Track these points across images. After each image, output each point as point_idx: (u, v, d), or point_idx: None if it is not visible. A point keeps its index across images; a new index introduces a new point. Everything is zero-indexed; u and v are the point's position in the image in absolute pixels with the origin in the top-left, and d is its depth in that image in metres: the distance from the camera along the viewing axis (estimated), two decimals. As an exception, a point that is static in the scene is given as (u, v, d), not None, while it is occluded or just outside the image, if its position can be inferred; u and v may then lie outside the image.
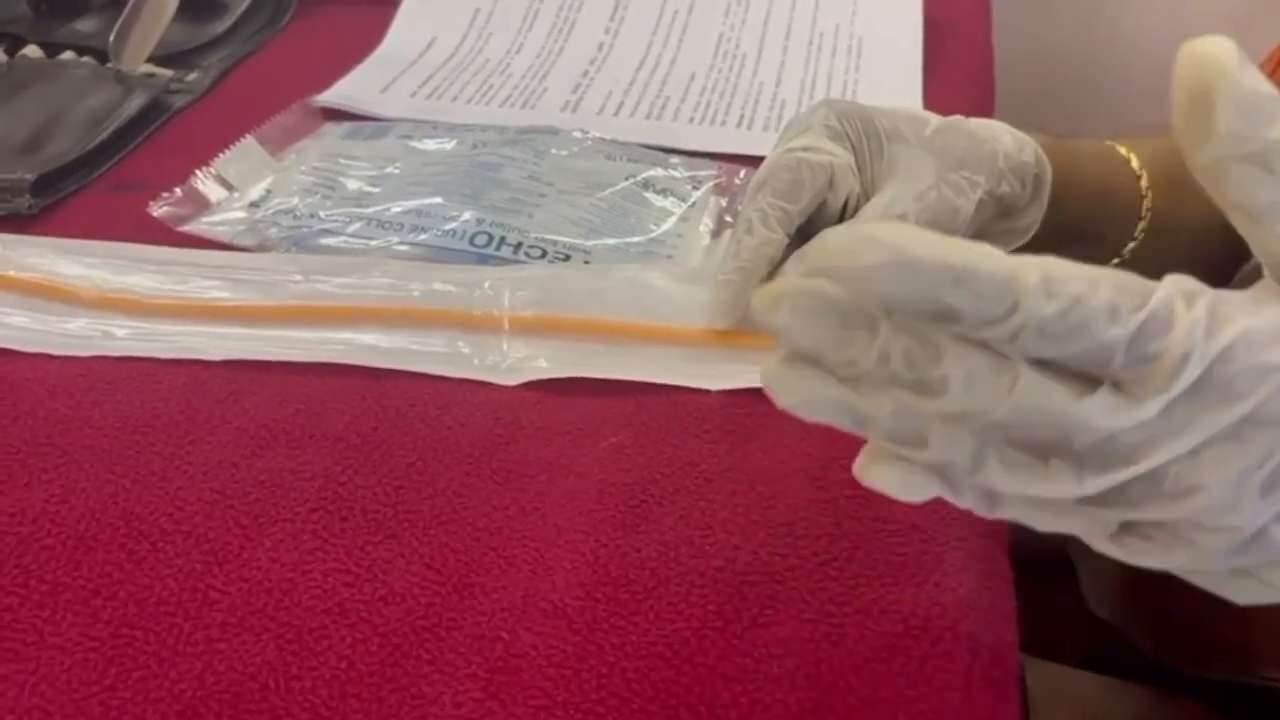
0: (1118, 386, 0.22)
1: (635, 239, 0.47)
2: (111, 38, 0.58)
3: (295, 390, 0.40)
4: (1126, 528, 0.24)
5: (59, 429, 0.38)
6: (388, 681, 0.30)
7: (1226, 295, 0.23)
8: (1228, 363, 0.21)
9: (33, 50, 0.62)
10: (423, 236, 0.46)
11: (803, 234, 0.41)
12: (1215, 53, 0.21)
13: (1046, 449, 0.23)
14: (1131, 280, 0.22)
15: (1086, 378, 0.22)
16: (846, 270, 0.21)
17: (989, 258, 0.21)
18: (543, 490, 0.36)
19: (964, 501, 0.24)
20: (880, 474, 0.24)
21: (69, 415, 0.38)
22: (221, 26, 0.65)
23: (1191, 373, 0.21)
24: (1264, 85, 0.21)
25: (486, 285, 0.43)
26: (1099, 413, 0.22)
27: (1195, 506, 0.22)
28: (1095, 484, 0.22)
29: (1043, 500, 0.23)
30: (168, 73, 0.60)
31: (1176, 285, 0.22)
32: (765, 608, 0.32)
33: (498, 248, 0.45)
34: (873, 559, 0.33)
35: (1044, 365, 0.22)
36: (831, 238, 0.21)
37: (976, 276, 0.21)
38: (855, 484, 0.36)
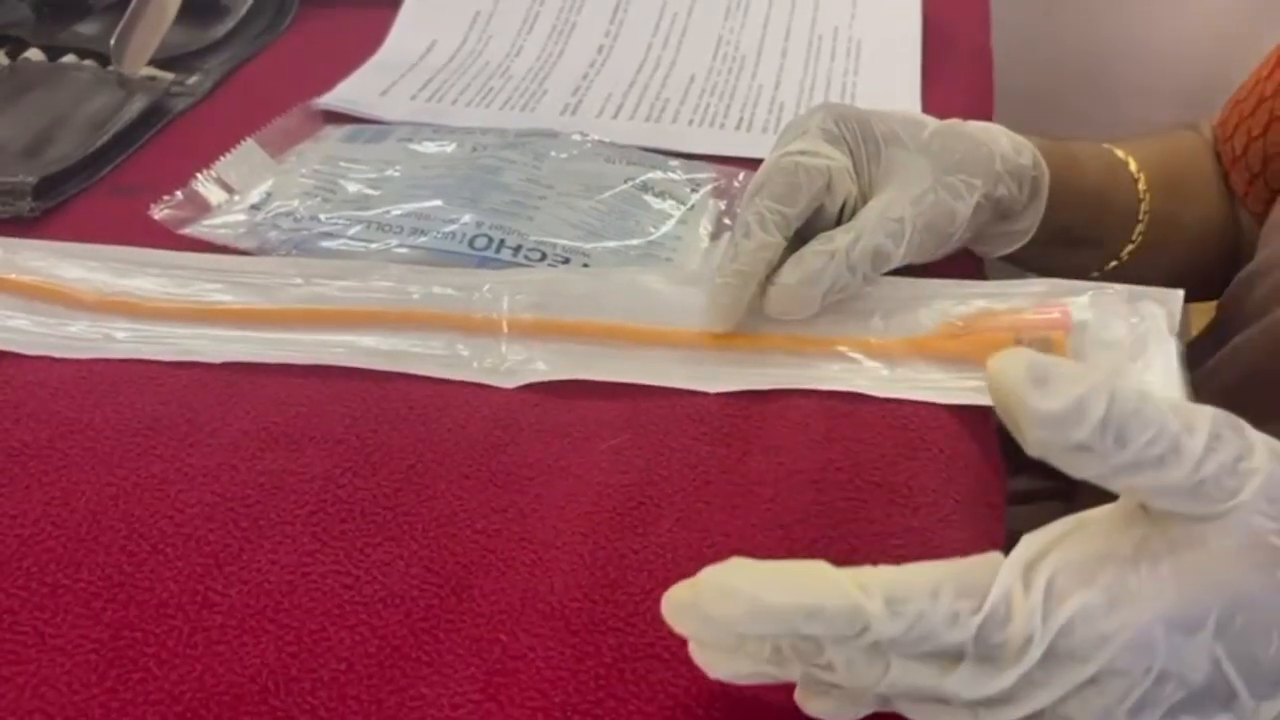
0: (980, 657, 0.25)
1: (634, 242, 0.47)
2: (113, 41, 0.59)
3: (295, 393, 0.40)
4: None
5: (60, 431, 0.38)
6: (386, 683, 0.30)
7: (1072, 559, 0.25)
8: (1068, 636, 0.25)
9: (34, 53, 0.62)
10: (422, 239, 0.46)
11: (800, 237, 0.42)
12: (1006, 376, 0.24)
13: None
14: (973, 580, 0.25)
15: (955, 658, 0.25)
16: (715, 620, 0.25)
17: (834, 593, 0.25)
18: (541, 492, 0.36)
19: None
20: (816, 707, 0.28)
21: (70, 418, 0.39)
22: (223, 30, 0.65)
23: (1035, 652, 0.25)
24: (1058, 401, 0.24)
25: (486, 288, 0.43)
26: (963, 687, 0.25)
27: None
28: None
29: None
30: (169, 76, 0.60)
31: (1015, 567, 0.25)
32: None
33: (497, 250, 0.45)
34: (870, 563, 0.33)
35: (913, 659, 0.25)
36: (700, 588, 0.26)
37: (825, 612, 0.24)
38: (853, 487, 0.36)
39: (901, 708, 0.27)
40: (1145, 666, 0.25)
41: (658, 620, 0.32)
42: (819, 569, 0.25)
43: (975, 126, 0.44)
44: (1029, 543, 0.26)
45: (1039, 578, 0.25)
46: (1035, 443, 0.24)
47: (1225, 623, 0.25)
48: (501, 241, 0.46)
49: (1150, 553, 0.25)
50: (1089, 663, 0.25)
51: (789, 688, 0.30)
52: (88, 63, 0.61)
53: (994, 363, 0.24)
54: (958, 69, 0.64)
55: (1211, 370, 0.49)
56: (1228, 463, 0.25)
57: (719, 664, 0.28)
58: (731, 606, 0.25)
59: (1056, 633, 0.25)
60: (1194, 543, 0.25)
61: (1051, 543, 0.26)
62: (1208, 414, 0.25)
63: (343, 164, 0.51)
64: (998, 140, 0.44)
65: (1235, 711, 0.26)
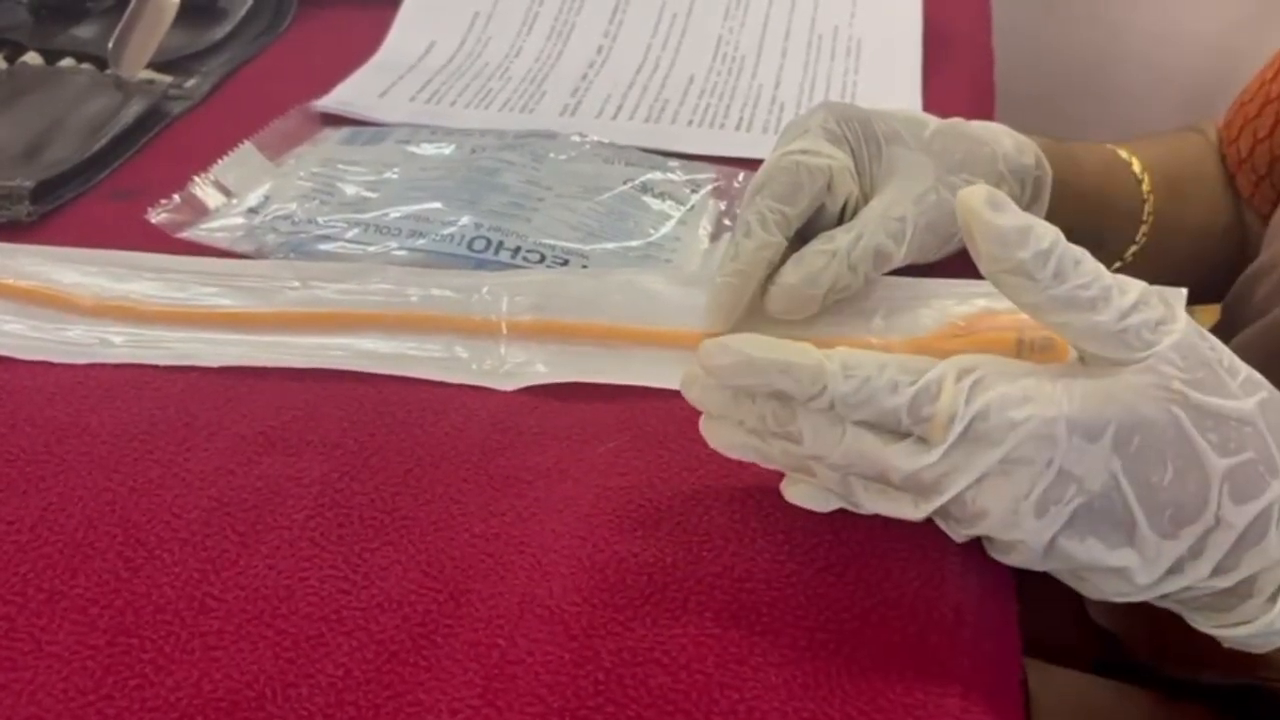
0: (918, 439, 0.30)
1: (633, 243, 0.47)
2: (110, 44, 0.58)
3: (293, 396, 0.40)
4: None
5: (57, 436, 0.38)
6: (384, 689, 0.30)
7: (1005, 368, 0.30)
8: (984, 419, 0.29)
9: (32, 57, 0.62)
10: (421, 241, 0.46)
11: (801, 237, 0.41)
12: (970, 199, 0.29)
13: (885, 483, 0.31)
14: (915, 363, 0.30)
15: (901, 434, 0.30)
16: (711, 368, 0.31)
17: (804, 355, 0.30)
18: (540, 495, 0.36)
19: (863, 509, 0.32)
20: (797, 493, 0.34)
21: (67, 423, 0.38)
22: (220, 32, 0.65)
23: (957, 428, 0.29)
24: (1010, 220, 0.29)
25: (484, 290, 0.43)
26: (899, 456, 0.30)
27: (986, 526, 0.30)
28: (924, 508, 0.30)
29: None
30: (166, 79, 0.60)
31: (953, 364, 0.30)
32: (763, 615, 0.32)
33: (496, 252, 0.45)
34: (872, 566, 0.33)
35: (870, 425, 0.30)
36: (705, 346, 0.32)
37: (793, 367, 0.30)
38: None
39: (858, 497, 0.32)
40: (1048, 458, 0.28)
41: (658, 624, 0.32)
42: (797, 344, 0.31)
43: (977, 126, 0.44)
44: (964, 358, 0.30)
45: (969, 374, 0.30)
46: (986, 257, 0.29)
47: (1123, 439, 0.28)
48: (500, 243, 0.46)
49: (1068, 375, 0.30)
50: (999, 446, 0.29)
51: (788, 694, 0.29)
52: (85, 66, 0.61)
53: (961, 194, 0.29)
54: (959, 68, 0.64)
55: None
56: (1150, 321, 0.29)
57: (718, 433, 0.33)
58: (724, 358, 0.31)
59: (974, 415, 0.29)
60: (1107, 374, 0.29)
61: (987, 361, 0.30)
62: (1142, 284, 0.30)
63: (341, 166, 0.51)
64: (1000, 140, 0.44)
65: (1138, 546, 0.29)
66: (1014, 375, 0.30)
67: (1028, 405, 0.29)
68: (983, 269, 0.30)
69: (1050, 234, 0.29)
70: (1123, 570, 0.30)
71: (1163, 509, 0.29)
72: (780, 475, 0.34)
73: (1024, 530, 0.29)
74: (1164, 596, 0.31)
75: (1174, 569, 0.30)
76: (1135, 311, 0.29)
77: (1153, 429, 0.29)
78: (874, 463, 0.30)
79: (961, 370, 0.30)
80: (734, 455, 0.33)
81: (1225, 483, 0.29)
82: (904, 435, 0.30)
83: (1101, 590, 0.31)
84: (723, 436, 0.33)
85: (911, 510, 0.31)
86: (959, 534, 0.32)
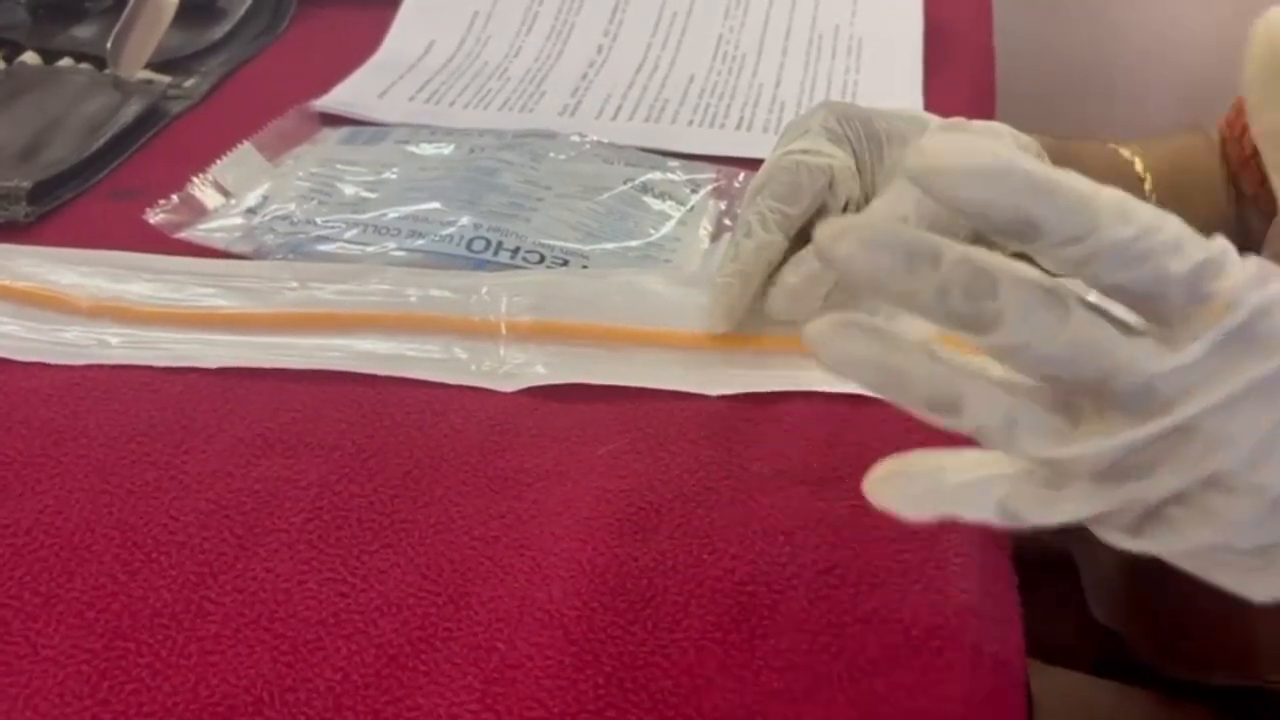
0: (1162, 336, 0.23)
1: (633, 243, 0.47)
2: (109, 44, 0.58)
3: (291, 398, 0.39)
4: (1148, 516, 0.24)
5: (53, 438, 0.38)
6: (383, 693, 0.30)
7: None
8: (1267, 316, 0.22)
9: (31, 56, 0.62)
10: (420, 242, 0.46)
11: (802, 238, 0.41)
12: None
13: (1080, 405, 0.23)
14: (1190, 229, 0.23)
15: (1131, 331, 0.23)
16: (948, 170, 0.22)
17: (1074, 177, 0.22)
18: (540, 498, 0.36)
19: (972, 511, 0.25)
20: (886, 492, 0.26)
21: (64, 424, 0.38)
22: (219, 32, 0.65)
23: (1237, 318, 0.22)
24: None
25: (484, 291, 0.43)
26: (1144, 353, 0.23)
27: (1224, 460, 0.23)
28: (1131, 435, 0.23)
29: (1069, 473, 0.24)
30: (165, 79, 0.60)
31: (1230, 243, 0.23)
32: (765, 618, 0.32)
33: (495, 253, 0.45)
34: (874, 568, 0.33)
35: (1097, 311, 0.23)
36: (931, 140, 0.22)
37: (1062, 191, 0.22)
38: (856, 492, 0.35)
39: (1022, 442, 0.24)
40: None
41: (658, 627, 0.31)
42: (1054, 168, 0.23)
43: (979, 125, 0.44)
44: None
45: (1254, 258, 0.23)
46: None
47: None
48: (499, 244, 0.45)
49: None
50: (1274, 357, 0.23)
51: (790, 698, 0.29)
52: (84, 66, 0.61)
53: (1271, 12, 0.23)
54: (959, 67, 0.64)
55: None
56: None
57: (836, 340, 0.24)
58: (972, 157, 0.22)
59: (1258, 307, 0.22)
60: None
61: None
62: None
63: (340, 166, 0.51)
64: (1002, 139, 0.44)
65: None
66: None
67: None
68: (1276, 117, 0.24)
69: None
70: None
71: None
72: (795, 473, 0.34)
73: (1269, 472, 0.23)
74: None
75: None
76: None
77: None
78: (1102, 359, 0.23)
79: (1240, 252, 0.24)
80: (851, 376, 0.24)
81: None
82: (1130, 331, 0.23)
83: None
84: (848, 346, 0.24)
85: (1104, 441, 0.23)
86: (1147, 496, 0.24)
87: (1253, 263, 0.23)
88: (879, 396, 0.24)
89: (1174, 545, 0.24)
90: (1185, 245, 0.23)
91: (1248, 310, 0.22)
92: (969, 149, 0.22)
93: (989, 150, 0.22)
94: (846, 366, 0.24)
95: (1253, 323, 0.23)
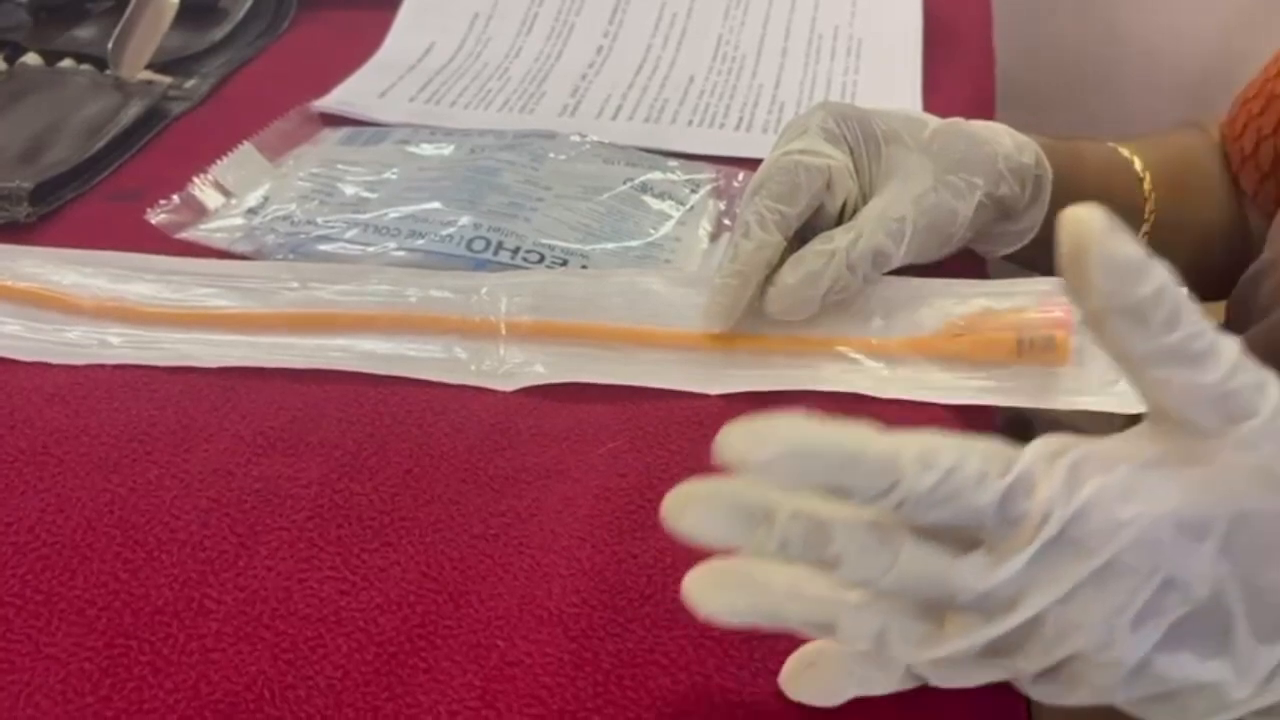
0: (990, 548, 0.25)
1: (633, 243, 0.47)
2: (110, 45, 0.58)
3: (291, 397, 0.40)
4: (1037, 674, 0.26)
5: (55, 438, 0.38)
6: (383, 690, 0.30)
7: (1094, 451, 0.26)
8: (1082, 522, 0.24)
9: (32, 58, 0.62)
10: (420, 242, 0.46)
11: (800, 237, 0.41)
12: (1088, 220, 0.24)
13: (939, 611, 0.26)
14: (1000, 450, 0.25)
15: (965, 541, 0.25)
16: (751, 463, 0.24)
17: (873, 441, 0.24)
18: (539, 496, 0.36)
19: (882, 686, 0.28)
20: (802, 688, 0.29)
21: (65, 424, 0.38)
22: (220, 33, 0.65)
23: (1050, 530, 0.24)
24: (1132, 249, 0.24)
25: (484, 291, 0.43)
26: (973, 572, 0.25)
27: (1074, 646, 0.25)
28: (984, 634, 0.25)
29: (948, 661, 0.26)
30: (166, 79, 0.60)
31: (1042, 448, 0.25)
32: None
33: (495, 253, 0.45)
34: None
35: (925, 535, 0.25)
36: (730, 434, 0.24)
37: (864, 458, 0.24)
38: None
39: (894, 649, 0.26)
40: (1151, 566, 0.24)
41: (657, 625, 0.32)
42: (854, 428, 0.24)
43: (977, 125, 0.44)
44: (1050, 439, 0.26)
45: (1062, 461, 0.25)
46: (1098, 291, 0.24)
47: (1231, 536, 0.25)
48: (499, 244, 0.45)
49: (1165, 460, 0.26)
50: (1098, 554, 0.24)
51: (783, 694, 0.29)
52: (85, 67, 0.61)
53: (1069, 210, 0.24)
54: (959, 67, 0.64)
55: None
56: (1251, 383, 0.25)
57: (717, 597, 0.26)
58: (766, 449, 0.24)
59: (1071, 516, 0.24)
60: (1207, 458, 0.25)
61: (1073, 441, 0.26)
62: (1232, 339, 0.26)
63: (340, 167, 0.51)
64: (1000, 139, 0.44)
65: (1232, 654, 0.25)
66: (1108, 462, 0.25)
67: (1131, 503, 0.25)
68: (1087, 304, 0.25)
69: (1163, 271, 0.24)
70: (1216, 686, 0.26)
71: (1267, 613, 0.25)
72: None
73: (1118, 649, 0.25)
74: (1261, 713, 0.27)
75: (1272, 677, 0.26)
76: (1238, 372, 0.25)
77: (1260, 522, 0.25)
78: (937, 583, 0.25)
79: (1053, 454, 0.25)
80: (734, 620, 0.26)
81: None
82: (966, 545, 0.25)
83: (1186, 713, 0.27)
84: (724, 600, 0.26)
85: (965, 643, 0.25)
86: (1024, 669, 0.26)
87: (1063, 466, 0.25)
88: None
89: (1059, 700, 0.27)
90: (989, 476, 0.25)
91: (1059, 523, 0.24)
92: (768, 438, 0.24)
93: (785, 437, 0.24)
94: (727, 616, 0.26)
95: (1068, 531, 0.24)
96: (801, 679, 0.29)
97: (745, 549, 0.25)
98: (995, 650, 0.26)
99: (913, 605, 0.26)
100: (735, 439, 0.24)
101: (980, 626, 0.25)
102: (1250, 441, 0.25)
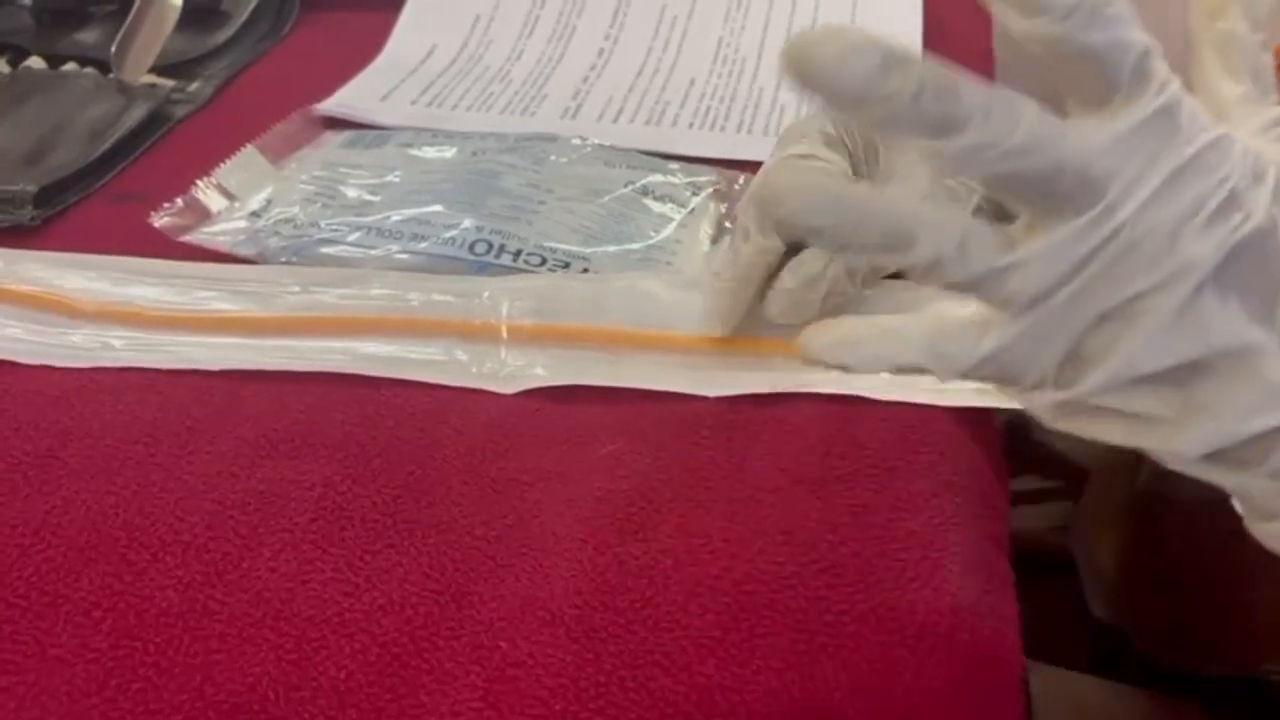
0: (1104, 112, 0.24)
1: (634, 246, 0.47)
2: (114, 48, 0.59)
3: (294, 400, 0.40)
4: (1068, 361, 0.25)
5: (59, 440, 0.38)
6: (386, 691, 0.30)
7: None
8: (1181, 110, 0.24)
9: (35, 61, 0.63)
10: (422, 245, 0.46)
11: (800, 241, 0.41)
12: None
13: (1016, 230, 0.25)
14: None
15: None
16: (846, 50, 0.23)
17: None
18: (541, 498, 0.36)
19: (905, 358, 0.26)
20: (820, 343, 0.27)
21: (69, 426, 0.39)
22: (223, 36, 0.65)
23: (1158, 100, 0.24)
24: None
25: (485, 294, 0.43)
26: (1089, 128, 0.24)
27: (1143, 255, 0.24)
28: (1069, 228, 0.24)
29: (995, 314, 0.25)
30: (169, 83, 0.61)
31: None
32: (764, 617, 0.32)
33: (497, 255, 0.45)
34: (872, 567, 0.33)
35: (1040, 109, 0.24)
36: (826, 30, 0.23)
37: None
38: (855, 492, 0.36)
39: (969, 249, 0.25)
40: (1225, 172, 0.24)
41: (659, 626, 0.32)
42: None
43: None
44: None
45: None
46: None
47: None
48: (501, 246, 0.46)
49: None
50: (1191, 142, 0.24)
51: (788, 697, 0.30)
52: (88, 70, 0.61)
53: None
54: (959, 69, 0.64)
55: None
56: None
57: (796, 175, 0.25)
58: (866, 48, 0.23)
59: (1178, 96, 0.25)
60: None
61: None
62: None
63: (343, 169, 0.51)
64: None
65: (1277, 326, 0.25)
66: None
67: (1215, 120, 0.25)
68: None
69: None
70: (1257, 355, 0.25)
71: None
72: (793, 473, 0.34)
73: (1183, 252, 0.24)
74: None
75: None
76: None
77: None
78: (1053, 150, 0.24)
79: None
80: (810, 218, 0.24)
81: None
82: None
83: (1220, 395, 0.25)
84: (807, 180, 0.25)
85: (1052, 241, 0.24)
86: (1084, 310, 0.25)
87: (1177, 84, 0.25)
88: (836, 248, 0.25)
89: (1093, 380, 0.25)
90: (1137, 23, 0.24)
91: (1164, 95, 0.24)
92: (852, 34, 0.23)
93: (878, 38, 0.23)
94: (805, 203, 0.24)
95: (1171, 109, 0.24)
96: (821, 328, 0.27)
97: (876, 93, 0.23)
98: (1054, 284, 0.25)
99: (991, 225, 0.25)
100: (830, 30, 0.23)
101: (1069, 219, 0.24)
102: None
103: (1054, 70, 0.25)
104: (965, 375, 0.26)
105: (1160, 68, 0.25)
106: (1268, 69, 0.29)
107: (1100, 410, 0.26)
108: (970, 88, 0.24)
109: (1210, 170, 0.24)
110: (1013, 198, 0.25)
